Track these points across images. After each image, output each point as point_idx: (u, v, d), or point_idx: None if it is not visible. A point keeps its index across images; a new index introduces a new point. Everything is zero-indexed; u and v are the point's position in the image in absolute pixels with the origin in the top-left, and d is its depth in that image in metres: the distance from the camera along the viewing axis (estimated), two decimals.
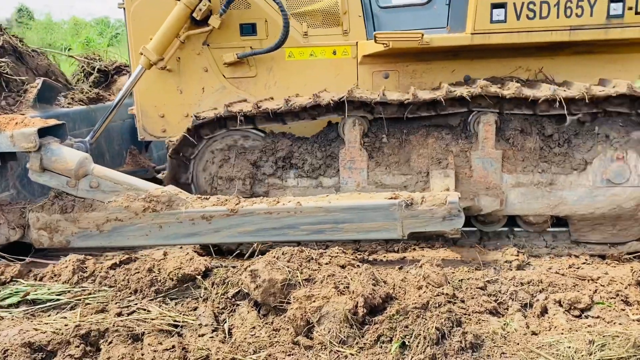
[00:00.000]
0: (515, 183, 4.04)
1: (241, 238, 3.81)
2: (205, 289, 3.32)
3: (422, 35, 3.99)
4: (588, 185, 3.96)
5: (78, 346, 2.80)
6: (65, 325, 2.96)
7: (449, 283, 3.21)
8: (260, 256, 3.44)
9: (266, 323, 3.01)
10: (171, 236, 3.82)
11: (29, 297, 3.33)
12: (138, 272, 3.39)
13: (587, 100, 3.75)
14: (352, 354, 2.65)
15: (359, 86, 4.56)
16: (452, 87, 4.06)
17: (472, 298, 3.14)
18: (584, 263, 3.82)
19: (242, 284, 3.23)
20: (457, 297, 3.11)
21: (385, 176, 4.13)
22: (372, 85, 4.65)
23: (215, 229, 3.76)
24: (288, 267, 3.20)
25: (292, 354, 2.67)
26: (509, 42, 4.09)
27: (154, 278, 3.34)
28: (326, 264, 3.37)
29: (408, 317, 2.74)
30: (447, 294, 3.02)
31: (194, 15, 4.44)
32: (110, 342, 2.84)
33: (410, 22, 4.62)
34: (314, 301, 2.87)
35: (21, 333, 2.87)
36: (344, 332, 2.74)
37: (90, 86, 6.76)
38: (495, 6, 4.01)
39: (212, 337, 2.91)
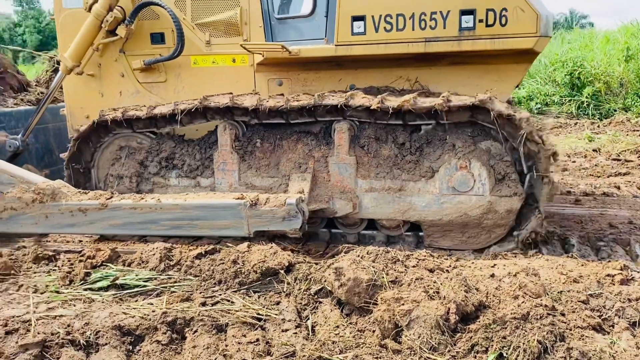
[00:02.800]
0: (368, 188, 4.14)
1: (112, 230, 4.17)
2: (288, 283, 3.27)
3: (283, 46, 4.13)
4: (435, 192, 4.03)
5: (165, 333, 2.82)
6: (153, 311, 3.00)
7: (547, 294, 2.99)
8: (343, 254, 3.36)
9: (350, 323, 2.92)
10: (56, 225, 4.21)
11: (117, 282, 3.43)
12: (223, 263, 3.40)
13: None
14: None
15: (256, 92, 4.67)
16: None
17: (573, 312, 2.89)
18: None
19: (325, 281, 3.15)
20: (557, 310, 2.88)
21: (255, 178, 4.33)
22: (268, 92, 4.78)
23: (90, 220, 4.13)
24: (373, 267, 3.10)
25: (380, 357, 2.56)
26: (369, 53, 4.20)
27: (238, 270, 3.33)
28: (413, 266, 3.24)
29: (506, 328, 2.56)
30: (546, 306, 2.80)
31: (103, 25, 4.75)
32: (196, 332, 2.85)
33: (298, 33, 4.74)
34: (403, 304, 2.75)
35: (111, 316, 2.94)
36: (435, 338, 2.59)
37: (46, 84, 6.96)
38: (355, 19, 4.16)
39: (295, 333, 2.85)
